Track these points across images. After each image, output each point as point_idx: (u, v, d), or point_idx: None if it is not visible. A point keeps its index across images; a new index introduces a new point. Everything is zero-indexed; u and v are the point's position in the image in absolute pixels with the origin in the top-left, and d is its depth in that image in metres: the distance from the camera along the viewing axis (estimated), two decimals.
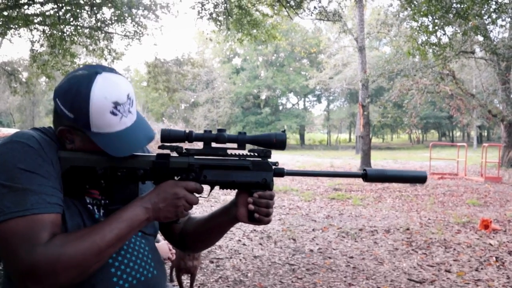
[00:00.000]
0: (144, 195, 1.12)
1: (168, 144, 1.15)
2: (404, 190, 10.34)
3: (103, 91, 1.09)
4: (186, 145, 1.18)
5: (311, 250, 5.20)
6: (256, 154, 1.20)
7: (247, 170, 1.19)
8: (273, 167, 1.21)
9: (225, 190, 1.24)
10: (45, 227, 0.98)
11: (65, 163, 1.09)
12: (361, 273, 4.38)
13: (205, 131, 1.16)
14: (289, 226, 6.50)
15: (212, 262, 4.71)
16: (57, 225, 1.01)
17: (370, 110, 17.13)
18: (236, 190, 1.27)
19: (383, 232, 6.12)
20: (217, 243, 5.40)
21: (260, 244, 5.46)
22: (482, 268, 4.48)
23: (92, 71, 1.13)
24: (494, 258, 4.79)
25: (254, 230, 6.14)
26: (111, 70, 1.16)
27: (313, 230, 6.27)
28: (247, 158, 1.20)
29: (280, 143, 1.17)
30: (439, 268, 4.51)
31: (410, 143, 49.74)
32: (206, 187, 1.22)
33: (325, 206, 8.32)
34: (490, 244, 5.38)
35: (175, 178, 1.17)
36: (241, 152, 1.20)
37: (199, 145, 1.16)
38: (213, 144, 1.18)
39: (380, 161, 21.28)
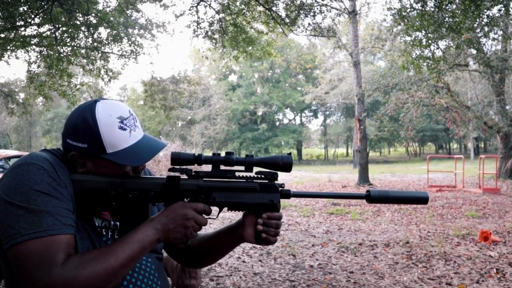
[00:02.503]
0: (154, 216, 1.15)
1: (178, 166, 1.19)
2: None
3: (106, 110, 1.16)
4: (195, 168, 1.21)
5: (311, 266, 5.18)
6: (263, 176, 1.23)
7: (255, 192, 1.22)
8: (280, 188, 1.24)
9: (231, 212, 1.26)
10: (61, 248, 1.00)
11: (78, 186, 1.12)
12: None
13: (213, 154, 1.20)
14: (289, 242, 6.47)
15: (212, 280, 4.67)
16: (71, 245, 1.04)
17: (366, 124, 17.21)
18: (243, 212, 1.29)
19: (382, 246, 6.10)
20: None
21: (260, 261, 5.43)
22: (483, 280, 4.46)
23: (90, 102, 1.20)
24: (494, 270, 4.78)
25: (254, 247, 6.11)
26: (105, 99, 1.23)
27: (312, 245, 6.25)
28: (255, 180, 1.23)
29: (287, 166, 1.21)
30: (440, 281, 4.49)
31: (407, 156, 49.78)
32: (215, 209, 1.24)
33: (324, 221, 8.29)
34: (490, 256, 5.37)
35: (185, 199, 1.20)
36: (248, 174, 1.23)
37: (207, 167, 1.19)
38: (222, 167, 1.22)
39: (378, 174, 21.28)
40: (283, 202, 10.74)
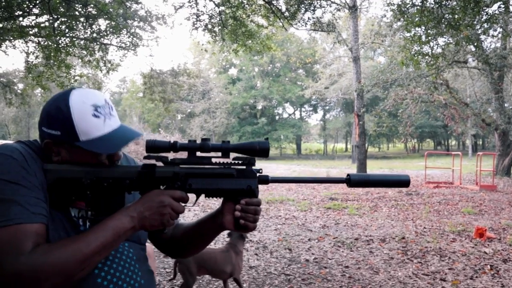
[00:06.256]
0: (130, 204, 1.13)
1: (154, 154, 1.16)
2: (400, 199, 10.36)
3: (80, 98, 1.15)
4: (171, 155, 1.19)
5: (307, 260, 5.20)
6: (240, 162, 1.21)
7: (232, 178, 1.21)
8: (257, 174, 1.23)
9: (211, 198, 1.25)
10: (29, 237, 0.99)
11: (51, 176, 1.10)
12: (356, 282, 4.37)
13: (189, 140, 1.18)
14: (285, 236, 6.49)
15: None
16: (41, 235, 1.02)
17: (365, 120, 17.21)
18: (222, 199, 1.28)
19: (378, 241, 6.12)
20: None
21: (256, 254, 5.45)
22: (477, 277, 4.48)
23: (66, 90, 1.19)
24: (489, 267, 4.80)
25: (250, 240, 6.13)
26: (81, 88, 1.21)
27: (309, 240, 6.27)
28: (232, 166, 1.21)
29: (263, 151, 1.19)
30: (434, 277, 4.51)
31: (406, 152, 49.87)
32: (192, 196, 1.22)
33: (321, 216, 8.31)
34: (485, 253, 5.39)
35: (161, 187, 1.18)
36: (225, 160, 1.22)
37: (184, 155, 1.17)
38: (198, 154, 1.20)
39: (376, 170, 21.33)
40: (281, 196, 10.75)
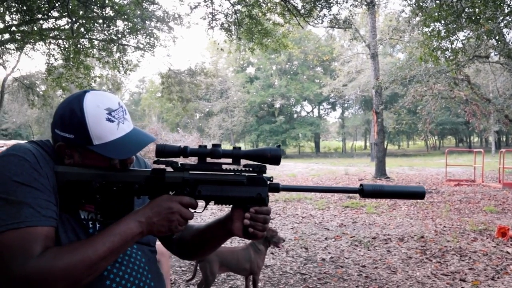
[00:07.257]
0: (138, 209, 1.13)
1: (163, 159, 1.16)
2: None
3: (94, 101, 1.14)
4: (181, 160, 1.18)
5: (323, 259, 5.15)
6: (251, 169, 1.19)
7: (242, 185, 1.19)
8: (268, 182, 1.21)
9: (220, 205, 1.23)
10: (38, 240, 0.99)
11: (61, 178, 1.10)
12: (373, 282, 4.31)
13: (199, 146, 1.17)
14: (302, 235, 6.45)
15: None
16: (50, 238, 1.02)
17: (385, 117, 16.99)
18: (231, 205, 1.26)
19: (396, 240, 6.03)
20: None
21: (272, 253, 5.43)
22: (498, 277, 4.37)
23: (79, 92, 1.18)
24: (511, 267, 4.68)
25: None
26: (95, 90, 1.21)
27: (325, 238, 6.22)
28: (242, 173, 1.20)
29: (275, 158, 1.17)
30: (453, 277, 4.42)
31: (426, 150, 49.09)
32: (201, 202, 1.22)
33: (338, 215, 8.25)
34: (507, 252, 5.26)
35: (170, 192, 1.17)
36: (236, 167, 1.20)
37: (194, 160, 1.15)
38: (208, 159, 1.19)
39: (396, 168, 21.03)
40: (298, 195, 10.69)
